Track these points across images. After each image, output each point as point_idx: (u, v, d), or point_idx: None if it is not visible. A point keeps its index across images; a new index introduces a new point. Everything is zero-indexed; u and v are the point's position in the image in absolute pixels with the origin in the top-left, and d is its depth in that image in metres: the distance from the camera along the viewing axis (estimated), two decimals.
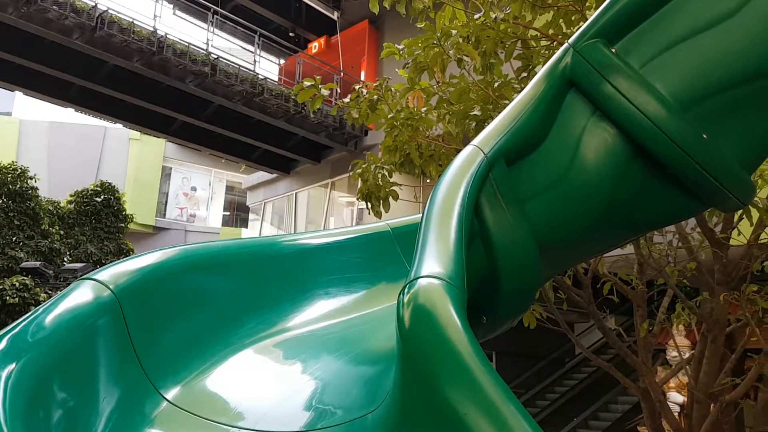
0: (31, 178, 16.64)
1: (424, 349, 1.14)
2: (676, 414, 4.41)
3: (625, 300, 4.96)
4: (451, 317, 1.16)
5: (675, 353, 7.32)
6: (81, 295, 1.36)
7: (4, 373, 1.07)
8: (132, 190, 24.99)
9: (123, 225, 19.02)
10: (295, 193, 21.48)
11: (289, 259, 1.84)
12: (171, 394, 1.39)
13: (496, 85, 4.31)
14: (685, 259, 4.48)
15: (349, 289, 1.93)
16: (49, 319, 1.25)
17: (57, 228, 17.24)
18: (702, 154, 1.65)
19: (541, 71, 1.81)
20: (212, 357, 1.51)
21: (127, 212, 19.34)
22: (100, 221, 18.44)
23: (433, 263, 1.30)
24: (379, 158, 4.56)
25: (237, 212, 29.70)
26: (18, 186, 16.23)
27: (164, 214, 27.33)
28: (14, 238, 15.88)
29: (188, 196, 28.34)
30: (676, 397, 8.41)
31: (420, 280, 1.24)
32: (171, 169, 27.99)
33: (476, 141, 1.64)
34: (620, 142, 1.70)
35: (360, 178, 4.48)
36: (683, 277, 4.56)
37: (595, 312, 4.20)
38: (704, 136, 1.65)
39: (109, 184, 19.30)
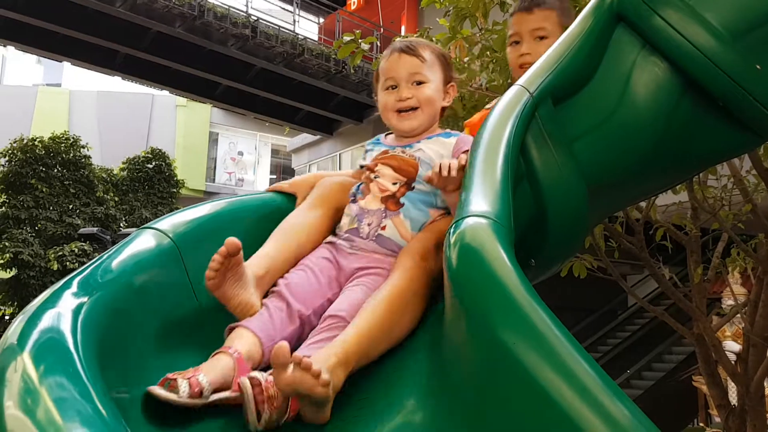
0: (83, 147, 17.09)
1: (473, 288, 1.15)
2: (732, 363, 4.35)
3: (679, 249, 4.86)
4: (499, 255, 1.16)
5: (731, 302, 7.18)
6: (143, 242, 1.42)
7: (76, 310, 1.14)
8: (181, 156, 25.40)
9: (175, 190, 19.44)
10: (339, 154, 21.53)
11: None
12: None
13: None
14: (741, 203, 4.35)
15: None
16: (116, 263, 1.32)
17: (111, 195, 17.74)
18: (755, 85, 1.59)
19: (588, 6, 1.76)
20: None
21: (178, 178, 19.74)
22: (152, 187, 18.88)
23: (480, 202, 1.30)
24: None
25: (283, 175, 29.98)
26: (71, 155, 16.70)
27: (213, 179, 27.78)
28: (71, 206, 16.41)
29: (235, 160, 28.68)
30: (732, 346, 8.28)
31: (467, 220, 1.24)
32: (218, 134, 28.31)
33: (521, 80, 1.62)
34: (671, 75, 1.66)
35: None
36: (738, 221, 4.44)
37: (648, 259, 4.13)
38: (758, 66, 1.59)
39: (160, 150, 19.67)
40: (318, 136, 21.93)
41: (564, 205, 1.58)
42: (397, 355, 1.47)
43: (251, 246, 1.61)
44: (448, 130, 1.91)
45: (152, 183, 18.88)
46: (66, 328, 1.09)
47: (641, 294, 15.19)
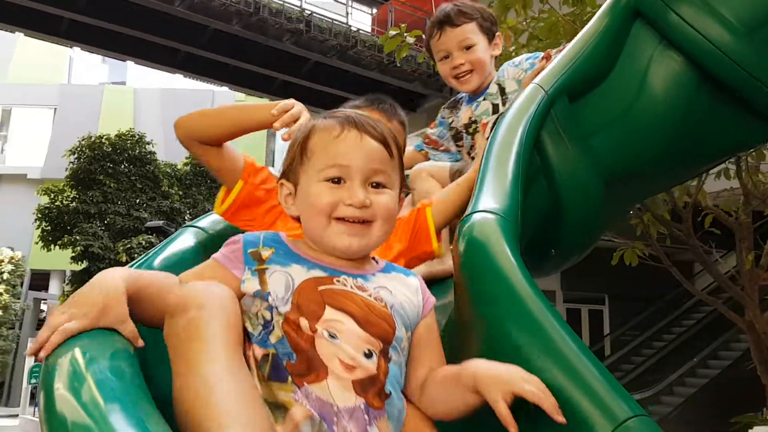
0: (148, 143, 17.76)
1: (478, 279, 1.24)
2: None
3: (732, 237, 4.75)
4: (502, 247, 1.25)
5: None
6: (185, 239, 1.57)
7: None
8: (241, 150, 26.02)
9: None
10: None
11: None
12: None
13: (585, 18, 4.19)
14: None
15: None
16: (159, 260, 1.47)
17: (176, 189, 18.37)
18: None
19: (605, 4, 1.81)
20: None
21: None
22: (214, 181, 19.44)
23: (489, 199, 1.39)
24: None
25: None
26: (137, 151, 17.38)
27: None
28: (138, 200, 17.10)
29: None
30: None
31: (475, 215, 1.34)
32: None
33: (538, 79, 1.69)
34: (687, 69, 1.69)
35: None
36: None
37: (696, 245, 4.10)
38: None
39: None
40: None
41: (579, 197, 1.65)
42: None
43: None
44: (405, 268, 1.32)
45: (214, 177, 19.45)
46: None
47: (707, 281, 14.78)
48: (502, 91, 2.27)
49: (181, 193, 18.56)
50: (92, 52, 18.20)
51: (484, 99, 2.31)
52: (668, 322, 17.10)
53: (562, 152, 1.64)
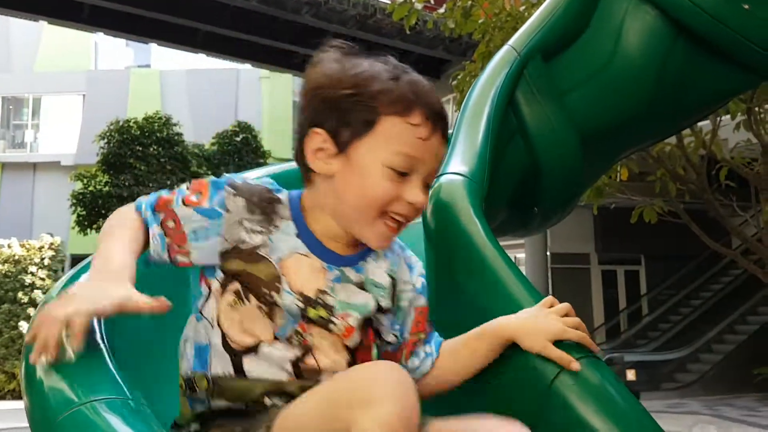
0: (175, 125, 17.99)
1: (442, 237, 1.30)
2: None
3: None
4: (466, 207, 1.30)
5: None
6: None
7: None
8: (268, 127, 26.16)
9: (262, 161, 20.14)
10: None
11: None
12: None
13: None
14: None
15: None
16: None
17: (204, 169, 18.61)
18: (745, 25, 1.61)
19: None
20: None
21: (265, 148, 20.42)
22: (242, 159, 19.65)
23: (458, 161, 1.43)
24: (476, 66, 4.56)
25: None
26: (165, 133, 17.62)
27: None
28: (168, 182, 17.37)
29: None
30: None
31: (443, 177, 1.39)
32: None
33: (511, 41, 1.71)
34: (662, 22, 1.70)
35: (457, 89, 4.52)
36: None
37: (710, 199, 4.06)
38: (745, 6, 1.60)
39: (246, 123, 20.39)
40: None
41: (556, 155, 1.68)
42: None
43: None
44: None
45: (241, 155, 19.64)
46: None
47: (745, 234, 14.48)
48: (393, 286, 1.13)
49: (209, 172, 18.81)
50: (115, 36, 18.43)
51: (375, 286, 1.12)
52: (705, 280, 16.89)
53: (537, 111, 1.66)
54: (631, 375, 12.51)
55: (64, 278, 1.25)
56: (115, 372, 0.96)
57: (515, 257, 17.20)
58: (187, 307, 1.43)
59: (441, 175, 1.40)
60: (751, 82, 1.79)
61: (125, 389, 0.94)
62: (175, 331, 1.18)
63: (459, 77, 4.64)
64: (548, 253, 15.61)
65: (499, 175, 1.60)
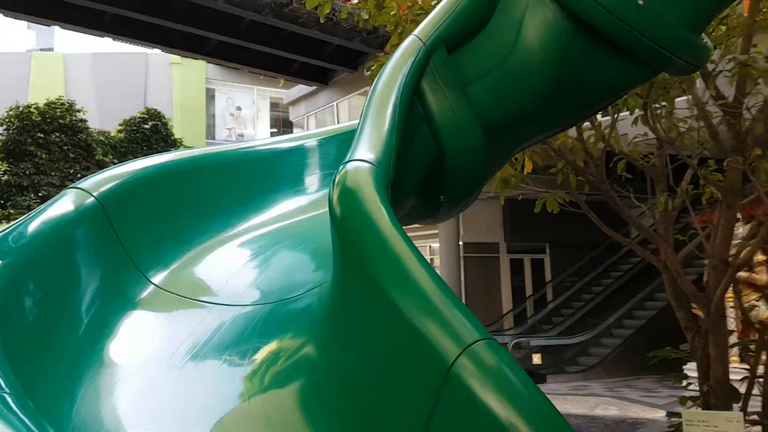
0: (79, 111, 17.18)
1: (347, 223, 1.31)
2: None
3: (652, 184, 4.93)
4: (373, 196, 1.31)
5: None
6: (66, 201, 1.57)
7: None
8: (180, 115, 25.44)
9: (173, 149, 19.56)
10: (336, 104, 21.48)
11: (260, 163, 2.00)
12: (158, 279, 1.61)
13: None
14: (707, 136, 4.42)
15: (317, 189, 2.08)
16: (33, 225, 1.47)
17: (111, 157, 17.89)
18: (639, 21, 1.69)
19: None
20: (194, 248, 1.72)
21: (176, 137, 19.83)
22: (150, 147, 19.00)
23: (364, 149, 1.44)
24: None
25: (284, 128, 29.95)
26: (68, 119, 16.81)
27: (213, 136, 27.83)
28: (72, 171, 16.60)
29: (234, 116, 28.66)
30: None
31: (349, 164, 1.39)
32: (214, 90, 28.24)
33: (417, 30, 1.74)
34: (561, 17, 1.76)
35: (371, 80, 4.52)
36: (704, 149, 4.54)
37: (607, 190, 4.26)
38: (640, 2, 1.68)
39: (155, 110, 19.72)
40: (314, 87, 21.84)
41: (460, 144, 1.72)
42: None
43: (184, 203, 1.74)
44: None
45: (150, 143, 19.01)
46: None
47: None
48: None
49: (116, 161, 18.09)
50: (16, 18, 17.35)
51: None
52: (606, 268, 17.76)
53: (441, 101, 1.69)
54: (536, 359, 13.00)
55: None
56: None
57: (430, 247, 17.55)
58: (75, 304, 1.38)
59: (347, 162, 1.40)
60: (644, 75, 1.89)
61: (3, 383, 0.89)
62: (63, 326, 1.14)
63: (373, 68, 4.65)
64: (460, 243, 16.02)
65: (407, 163, 1.63)
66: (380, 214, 1.27)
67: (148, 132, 19.10)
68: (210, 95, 28.24)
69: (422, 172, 1.72)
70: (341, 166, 1.41)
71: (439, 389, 1.07)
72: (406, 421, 1.12)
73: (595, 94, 1.91)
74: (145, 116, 19.36)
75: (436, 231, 15.14)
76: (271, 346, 1.49)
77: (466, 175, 1.77)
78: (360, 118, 1.57)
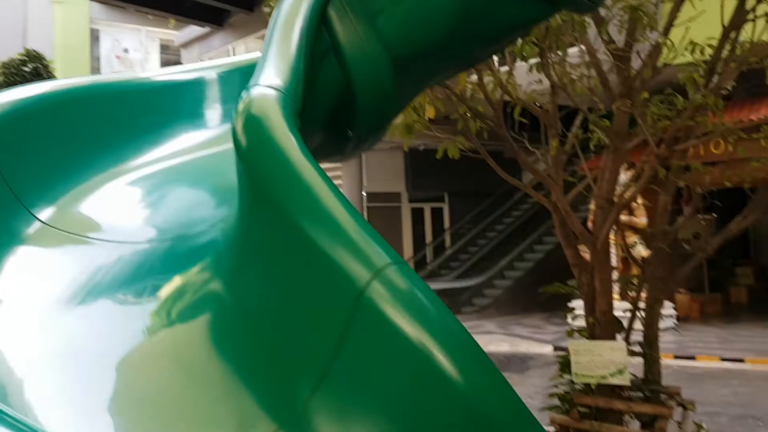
0: None
1: (254, 152, 1.25)
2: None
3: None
4: (281, 123, 1.26)
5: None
6: None
7: None
8: (62, 57, 23.70)
9: None
10: (232, 47, 20.68)
11: (155, 95, 1.88)
12: (44, 215, 1.50)
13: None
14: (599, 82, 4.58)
15: (218, 124, 1.99)
16: None
17: None
18: None
19: None
20: (82, 183, 1.61)
21: (59, 79, 18.54)
22: None
23: (271, 74, 1.37)
24: None
25: None
26: None
27: None
28: None
29: (121, 58, 27.05)
30: None
31: (253, 90, 1.32)
32: (99, 31, 26.50)
33: None
34: None
35: (270, 18, 4.37)
36: (594, 95, 4.72)
37: (505, 135, 4.37)
38: None
39: (35, 52, 18.25)
40: (207, 28, 20.90)
41: (369, 75, 1.68)
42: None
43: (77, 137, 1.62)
44: None
45: None
46: None
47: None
48: None
49: None
50: None
51: None
52: (500, 215, 18.51)
53: (349, 30, 1.65)
54: None
55: None
56: None
57: None
58: None
59: (252, 87, 1.34)
60: (545, 12, 1.92)
61: None
62: None
63: (272, 4, 4.49)
64: (364, 193, 16.12)
65: (315, 94, 1.57)
66: (289, 142, 1.23)
67: (29, 75, 17.68)
68: (94, 36, 26.51)
69: (330, 104, 1.68)
70: (245, 93, 1.34)
71: (350, 314, 1.06)
72: (318, 347, 1.11)
73: (499, 30, 1.92)
74: (25, 58, 17.89)
75: (341, 182, 15.14)
76: (174, 283, 1.43)
77: (375, 108, 1.74)
78: (264, 44, 1.50)
